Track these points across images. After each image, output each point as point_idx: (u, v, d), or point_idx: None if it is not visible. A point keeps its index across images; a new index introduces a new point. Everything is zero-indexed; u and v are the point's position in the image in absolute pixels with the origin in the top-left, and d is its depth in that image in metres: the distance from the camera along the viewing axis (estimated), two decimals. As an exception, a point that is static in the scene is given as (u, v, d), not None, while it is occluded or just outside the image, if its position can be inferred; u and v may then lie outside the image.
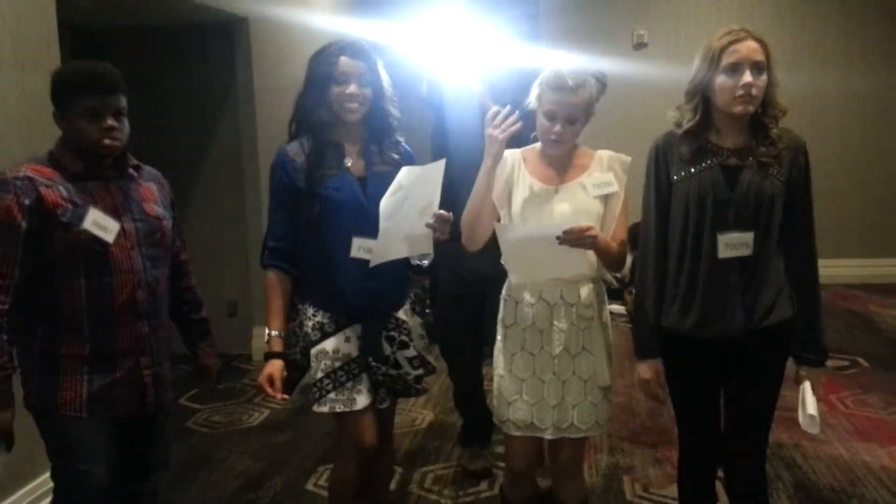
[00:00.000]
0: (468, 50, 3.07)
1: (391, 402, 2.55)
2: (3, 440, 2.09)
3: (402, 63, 3.34)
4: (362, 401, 2.42)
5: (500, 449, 3.42)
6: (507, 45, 3.04)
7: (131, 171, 2.29)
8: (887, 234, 7.13)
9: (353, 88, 2.34)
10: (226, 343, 5.11)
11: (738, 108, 2.18)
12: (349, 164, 2.42)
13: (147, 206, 2.28)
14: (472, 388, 3.54)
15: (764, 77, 2.17)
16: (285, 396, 2.39)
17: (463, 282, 3.19)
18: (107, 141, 2.14)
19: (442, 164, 2.26)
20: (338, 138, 2.43)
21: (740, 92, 2.16)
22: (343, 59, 2.35)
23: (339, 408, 2.40)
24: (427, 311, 3.93)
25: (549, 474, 2.67)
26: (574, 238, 2.15)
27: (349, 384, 2.40)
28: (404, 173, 2.27)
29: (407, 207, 2.26)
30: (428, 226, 2.29)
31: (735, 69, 2.16)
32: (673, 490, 2.75)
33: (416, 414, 4.24)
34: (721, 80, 2.18)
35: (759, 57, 2.16)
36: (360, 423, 2.44)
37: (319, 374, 2.39)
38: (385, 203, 2.23)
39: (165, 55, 5.09)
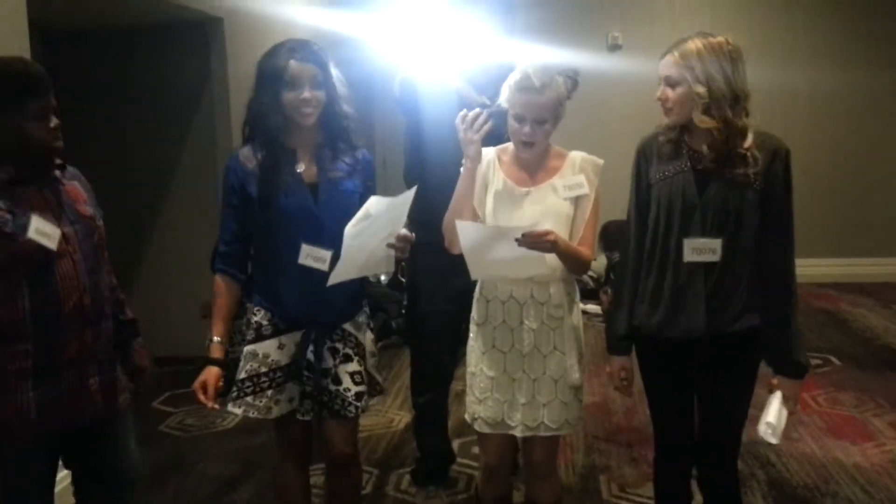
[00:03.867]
0: (444, 45, 3.01)
1: (337, 422, 2.44)
2: None
3: (376, 59, 3.28)
4: (278, 410, 2.39)
5: (475, 449, 3.42)
6: (484, 40, 2.97)
7: (56, 172, 2.17)
8: (858, 234, 7.24)
9: (306, 93, 2.28)
10: (199, 345, 5.03)
11: (665, 118, 2.28)
12: (301, 170, 2.36)
13: (80, 208, 2.17)
14: (437, 414, 3.33)
15: (678, 90, 2.21)
16: (216, 406, 2.35)
17: (447, 298, 2.98)
18: (56, 142, 2.08)
19: (411, 193, 2.22)
20: (291, 143, 2.38)
21: (660, 103, 2.27)
22: (293, 63, 2.27)
23: (252, 413, 2.37)
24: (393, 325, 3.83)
25: (524, 476, 2.67)
26: (531, 242, 2.15)
27: (269, 392, 2.37)
28: (373, 203, 2.21)
29: (371, 234, 2.23)
30: (389, 246, 2.26)
31: (659, 82, 2.28)
32: (649, 489, 2.77)
33: (392, 415, 4.23)
34: None
35: (668, 72, 2.23)
36: (288, 424, 2.45)
37: (242, 375, 2.36)
38: (349, 230, 2.18)
39: (139, 55, 5.03)
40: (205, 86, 5.04)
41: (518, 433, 2.39)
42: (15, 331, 2.02)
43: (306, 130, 2.37)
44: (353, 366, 2.44)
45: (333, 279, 2.24)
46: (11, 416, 2.03)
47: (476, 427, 2.45)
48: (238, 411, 2.37)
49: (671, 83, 2.22)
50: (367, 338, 2.51)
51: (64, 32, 4.81)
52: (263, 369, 2.36)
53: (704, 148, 2.21)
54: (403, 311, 5.35)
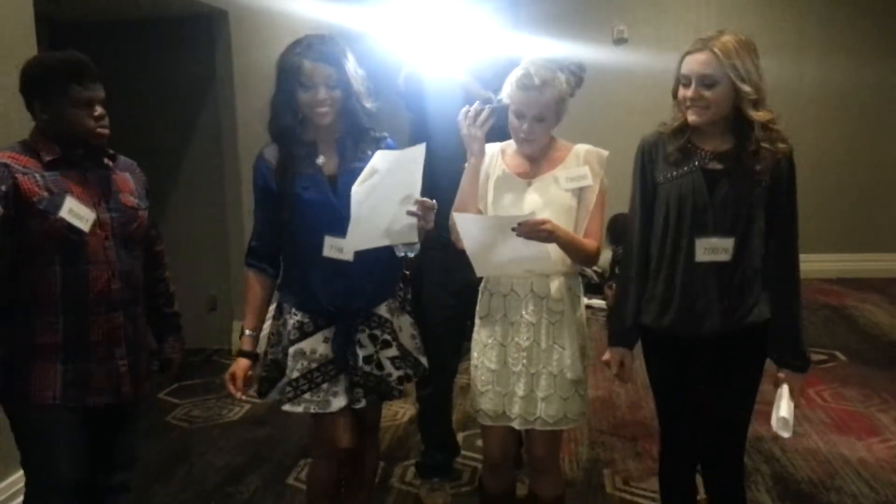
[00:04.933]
0: (449, 39, 3.00)
1: (372, 401, 2.49)
2: None
3: (380, 53, 3.27)
4: (337, 403, 2.40)
5: (479, 443, 3.42)
6: (489, 34, 2.96)
7: (107, 160, 2.29)
8: (865, 229, 7.20)
9: (321, 94, 2.27)
10: (205, 338, 5.09)
11: (691, 118, 2.22)
12: (321, 163, 2.37)
13: (123, 197, 2.28)
14: (441, 407, 3.33)
15: (715, 90, 2.16)
16: (244, 396, 2.42)
17: (450, 293, 2.98)
18: (100, 130, 2.18)
19: (422, 148, 2.19)
20: (310, 137, 2.38)
21: (688, 103, 2.20)
22: (307, 64, 2.26)
23: (313, 409, 2.39)
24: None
25: (527, 470, 2.68)
26: (528, 231, 2.14)
27: (324, 385, 2.39)
28: (378, 157, 2.20)
29: (383, 195, 2.20)
30: (410, 213, 2.23)
31: (686, 81, 2.20)
32: (653, 483, 2.77)
33: (396, 408, 4.23)
34: (679, 89, 2.23)
35: (706, 70, 2.16)
36: (335, 424, 2.44)
37: (295, 374, 2.38)
38: (356, 189, 2.17)
39: (144, 48, 5.04)
40: (210, 79, 5.05)
41: (517, 426, 2.39)
42: (47, 306, 2.13)
43: (326, 125, 2.36)
44: (392, 351, 2.47)
45: (350, 246, 2.24)
46: (38, 388, 2.14)
47: (479, 419, 2.46)
48: (299, 410, 2.40)
49: (709, 82, 2.16)
50: (405, 321, 2.54)
51: (69, 25, 4.81)
52: (314, 365, 2.39)
53: (763, 150, 2.17)
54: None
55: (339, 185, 2.34)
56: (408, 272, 2.62)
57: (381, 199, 2.20)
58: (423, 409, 3.34)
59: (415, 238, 2.31)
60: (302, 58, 2.27)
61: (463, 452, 3.57)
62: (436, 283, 2.99)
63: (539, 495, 2.52)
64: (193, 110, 5.15)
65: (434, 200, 2.27)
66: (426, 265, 2.90)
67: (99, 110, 2.17)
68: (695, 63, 2.18)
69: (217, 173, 5.14)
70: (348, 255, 2.30)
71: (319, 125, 2.35)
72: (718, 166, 2.24)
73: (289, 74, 2.29)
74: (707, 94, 2.17)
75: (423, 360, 2.59)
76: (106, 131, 2.20)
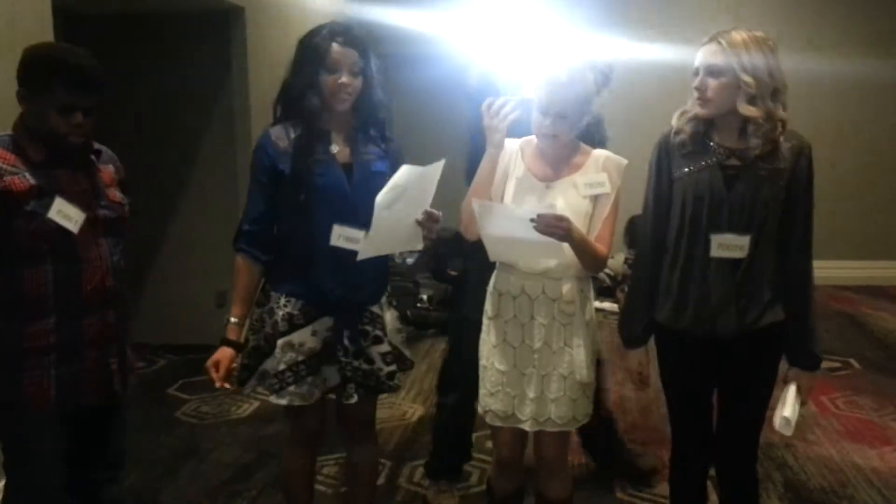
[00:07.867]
0: (525, 42, 2.87)
1: (362, 395, 2.45)
2: None
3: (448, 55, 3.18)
4: (317, 394, 2.41)
5: (488, 444, 3.40)
6: (572, 37, 2.84)
7: (92, 157, 2.22)
8: (880, 237, 7.15)
9: (344, 78, 2.28)
10: (214, 334, 5.04)
11: (696, 109, 2.22)
12: (335, 151, 2.36)
13: (110, 193, 2.23)
14: (466, 414, 3.23)
15: (720, 80, 2.16)
16: (227, 385, 2.36)
17: None
18: (72, 138, 2.09)
19: (440, 165, 2.22)
20: (325, 124, 2.37)
21: (695, 94, 2.21)
22: (335, 47, 2.27)
23: (297, 402, 2.38)
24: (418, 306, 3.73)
25: (536, 472, 2.66)
26: (545, 225, 2.13)
27: (309, 378, 2.38)
28: (403, 172, 2.20)
29: (402, 207, 2.22)
30: (417, 222, 2.26)
31: (696, 72, 2.22)
32: (663, 488, 2.75)
33: (405, 408, 4.22)
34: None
35: (713, 60, 2.17)
36: (306, 411, 2.44)
37: (282, 367, 2.36)
38: (381, 199, 2.18)
39: (159, 43, 5.04)
40: (225, 75, 5.05)
41: (528, 427, 2.38)
42: (39, 308, 2.07)
43: (341, 114, 2.37)
44: (384, 347, 2.46)
45: (364, 254, 2.24)
46: (32, 395, 2.08)
47: (487, 420, 2.45)
48: (283, 402, 2.38)
49: (714, 72, 2.17)
50: (392, 315, 2.53)
51: (86, 18, 4.82)
52: (301, 357, 2.37)
53: (753, 140, 2.17)
54: (419, 304, 5.32)
55: (355, 175, 2.35)
56: (454, 273, 2.59)
57: (399, 211, 2.23)
58: (446, 415, 3.27)
59: (419, 245, 2.33)
60: (330, 41, 2.28)
61: (473, 454, 3.54)
62: (481, 288, 2.94)
63: (547, 497, 2.51)
64: (207, 106, 5.15)
65: (440, 212, 2.29)
66: (474, 269, 2.81)
67: (78, 118, 2.07)
68: (704, 53, 2.20)
69: (230, 170, 5.13)
70: (357, 245, 2.29)
71: (335, 112, 2.35)
72: (736, 163, 2.22)
73: (314, 56, 2.29)
74: (712, 83, 2.17)
75: (408, 353, 2.58)
76: (79, 140, 2.12)
